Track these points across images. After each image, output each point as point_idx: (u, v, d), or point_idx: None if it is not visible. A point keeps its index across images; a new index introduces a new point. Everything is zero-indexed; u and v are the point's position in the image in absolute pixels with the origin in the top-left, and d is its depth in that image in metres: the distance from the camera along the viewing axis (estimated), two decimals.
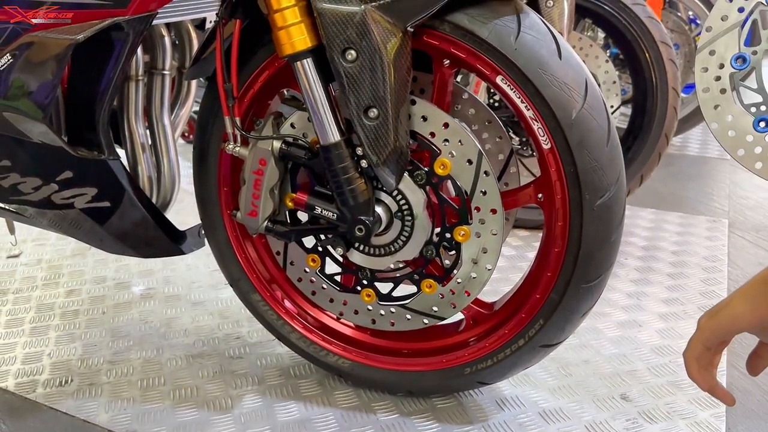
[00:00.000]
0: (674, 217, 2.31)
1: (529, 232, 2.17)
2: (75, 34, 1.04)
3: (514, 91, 1.04)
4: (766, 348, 0.78)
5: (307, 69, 1.05)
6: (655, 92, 2.05)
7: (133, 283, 1.84)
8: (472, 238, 1.12)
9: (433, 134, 1.09)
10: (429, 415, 1.28)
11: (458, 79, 1.83)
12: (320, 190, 1.17)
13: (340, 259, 1.24)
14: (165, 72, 1.35)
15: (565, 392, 1.34)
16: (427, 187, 1.12)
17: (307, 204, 1.16)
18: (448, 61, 1.11)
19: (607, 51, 2.96)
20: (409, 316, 1.22)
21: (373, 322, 1.26)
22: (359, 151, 1.09)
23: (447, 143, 1.08)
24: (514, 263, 1.96)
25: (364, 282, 1.24)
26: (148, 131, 1.36)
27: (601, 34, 2.82)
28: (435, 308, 1.20)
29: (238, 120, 1.14)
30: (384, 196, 1.14)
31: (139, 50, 1.27)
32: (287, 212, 1.22)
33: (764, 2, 1.46)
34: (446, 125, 1.08)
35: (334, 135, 1.07)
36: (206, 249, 1.39)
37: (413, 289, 1.21)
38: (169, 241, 1.30)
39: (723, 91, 1.53)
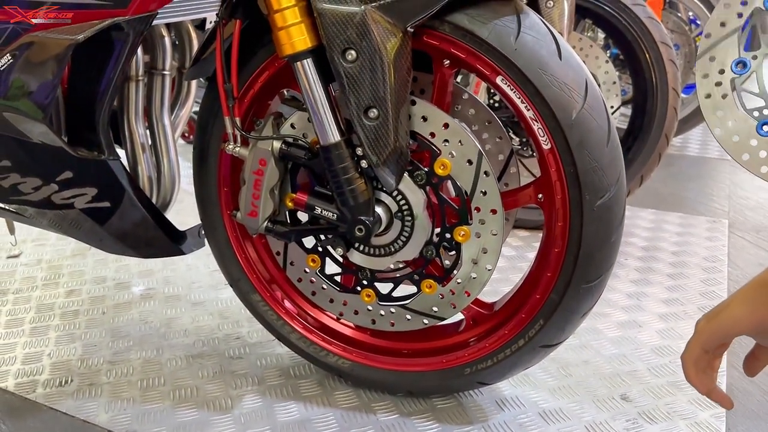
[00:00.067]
0: (674, 217, 2.31)
1: (529, 233, 2.17)
2: (75, 34, 1.04)
3: (514, 92, 1.04)
4: (763, 350, 0.78)
5: (307, 69, 1.05)
6: (655, 93, 2.05)
7: (133, 284, 1.84)
8: (472, 239, 1.12)
9: (433, 134, 1.09)
10: (429, 416, 1.28)
11: (458, 79, 1.83)
12: (320, 191, 1.17)
13: (340, 259, 1.24)
14: (165, 72, 1.35)
15: (565, 392, 1.34)
16: (427, 188, 1.12)
17: (307, 204, 1.16)
18: (448, 62, 1.11)
19: (607, 51, 2.96)
20: (409, 317, 1.22)
21: (373, 322, 1.26)
22: (359, 151, 1.09)
23: (447, 143, 1.08)
24: (514, 263, 1.96)
25: (364, 282, 1.24)
26: (148, 131, 1.36)
27: (601, 35, 2.82)
28: (435, 308, 1.20)
29: (238, 120, 1.14)
30: (384, 197, 1.14)
31: (139, 50, 1.27)
32: (287, 212, 1.22)
33: (763, 7, 1.47)
34: (446, 125, 1.08)
35: (334, 135, 1.07)
36: (206, 249, 1.39)
37: (413, 289, 1.21)
38: (169, 242, 1.30)
39: (725, 96, 1.53)
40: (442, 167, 1.09)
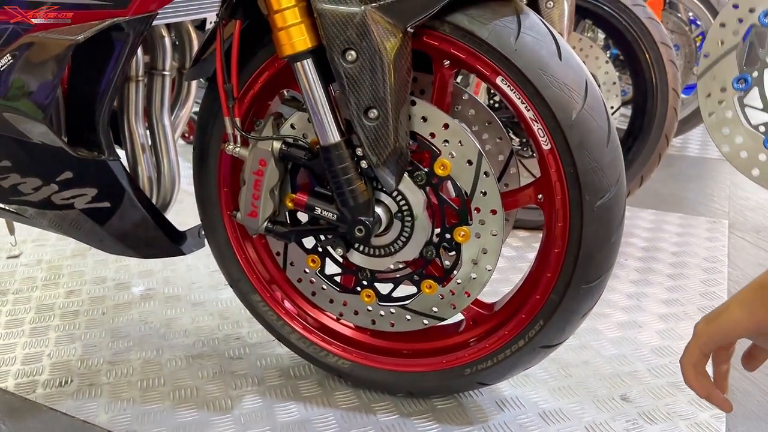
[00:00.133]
0: (674, 218, 2.31)
1: (529, 233, 2.17)
2: (75, 35, 1.04)
3: (514, 92, 1.04)
4: (760, 349, 0.78)
5: (307, 70, 1.05)
6: (655, 93, 2.05)
7: (133, 284, 1.84)
8: (472, 239, 1.12)
9: (433, 135, 1.09)
10: (429, 416, 1.28)
11: (458, 80, 1.83)
12: (320, 191, 1.17)
13: (340, 259, 1.24)
14: (165, 73, 1.35)
15: (565, 393, 1.34)
16: (427, 188, 1.12)
17: (307, 204, 1.16)
18: (448, 62, 1.11)
19: (607, 52, 2.96)
20: (409, 317, 1.22)
21: (373, 322, 1.26)
22: (359, 151, 1.09)
23: (447, 144, 1.08)
24: (514, 264, 1.96)
25: (364, 283, 1.24)
26: (148, 132, 1.36)
27: (601, 35, 2.82)
28: (435, 309, 1.20)
29: (238, 121, 1.14)
30: (384, 197, 1.14)
31: (140, 51, 1.27)
32: (287, 213, 1.22)
33: (759, 23, 1.47)
34: (446, 126, 1.08)
35: (334, 136, 1.07)
36: (206, 250, 1.39)
37: (413, 289, 1.21)
38: (169, 242, 1.30)
39: (729, 114, 1.54)
40: (442, 168, 1.09)
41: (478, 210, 1.10)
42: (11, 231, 1.93)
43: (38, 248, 2.07)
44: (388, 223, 1.15)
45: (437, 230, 1.15)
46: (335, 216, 1.14)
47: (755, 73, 1.51)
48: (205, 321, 1.64)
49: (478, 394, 1.34)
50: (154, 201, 1.37)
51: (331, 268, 1.26)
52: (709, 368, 0.80)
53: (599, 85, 2.08)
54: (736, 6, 1.49)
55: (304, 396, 1.35)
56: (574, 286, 1.10)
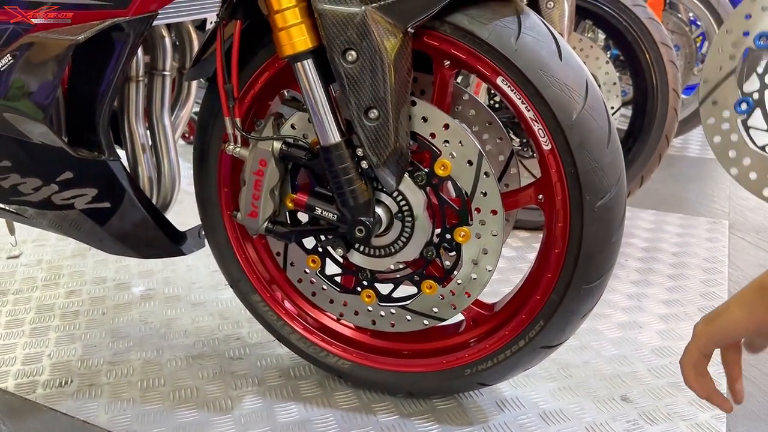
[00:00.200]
0: (674, 218, 2.31)
1: (529, 234, 2.17)
2: (75, 35, 1.04)
3: (515, 92, 1.04)
4: (758, 341, 0.78)
5: (308, 70, 1.05)
6: (656, 94, 2.05)
7: (133, 284, 1.84)
8: (473, 239, 1.12)
9: (433, 135, 1.09)
10: (429, 416, 1.28)
11: (458, 80, 1.83)
12: (320, 191, 1.17)
13: (341, 260, 1.24)
14: (165, 73, 1.35)
15: (566, 393, 1.34)
16: (428, 188, 1.12)
17: (308, 205, 1.16)
18: (448, 62, 1.11)
19: (608, 52, 2.96)
20: (409, 317, 1.22)
21: (374, 323, 1.25)
22: (359, 152, 1.09)
23: (447, 144, 1.08)
24: (515, 264, 1.96)
25: (365, 283, 1.24)
26: (148, 132, 1.36)
27: (601, 36, 2.82)
28: (435, 309, 1.20)
29: (238, 121, 1.14)
30: (384, 197, 1.14)
31: (140, 51, 1.27)
32: (287, 213, 1.22)
33: (754, 46, 1.48)
34: (446, 126, 1.08)
35: (334, 136, 1.07)
36: (206, 250, 1.39)
37: (413, 290, 1.21)
38: (169, 242, 1.30)
39: (734, 137, 1.55)
40: (442, 168, 1.09)
41: (478, 210, 1.10)
42: (11, 231, 1.93)
43: (38, 248, 2.07)
44: (389, 224, 1.15)
45: (437, 230, 1.15)
46: (335, 216, 1.14)
47: (756, 95, 1.52)
48: (206, 321, 1.64)
49: (479, 394, 1.34)
50: (154, 201, 1.37)
51: (331, 269, 1.25)
52: (710, 368, 0.80)
53: (599, 86, 2.08)
54: (729, 31, 1.50)
55: (305, 396, 1.35)
56: (575, 286, 1.10)
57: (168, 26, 1.33)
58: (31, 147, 1.15)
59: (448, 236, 1.14)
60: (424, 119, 1.09)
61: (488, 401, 1.32)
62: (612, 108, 2.17)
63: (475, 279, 1.15)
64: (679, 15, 3.22)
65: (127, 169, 1.27)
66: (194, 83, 1.48)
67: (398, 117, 1.04)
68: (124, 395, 1.36)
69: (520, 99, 1.04)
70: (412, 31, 1.03)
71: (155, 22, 1.11)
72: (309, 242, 1.26)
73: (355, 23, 0.99)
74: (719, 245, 2.07)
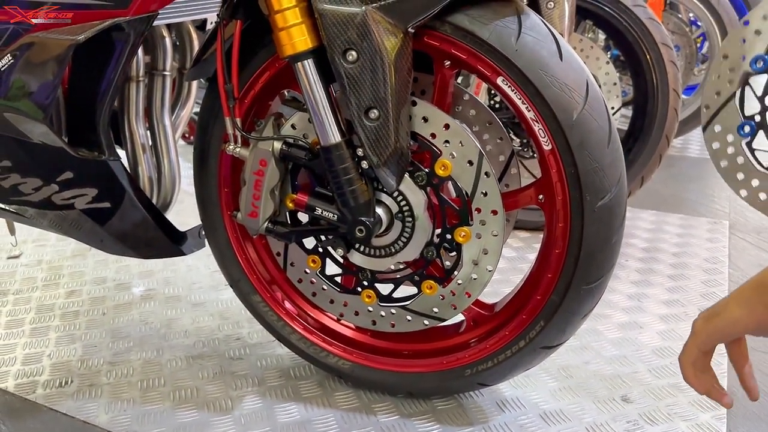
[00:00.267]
0: (675, 218, 2.31)
1: (529, 234, 2.17)
2: (76, 35, 1.04)
3: (515, 92, 1.04)
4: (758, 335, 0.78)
5: (308, 70, 1.05)
6: (656, 94, 2.05)
7: (133, 284, 1.83)
8: (473, 240, 1.12)
9: (433, 135, 1.09)
10: (429, 417, 1.28)
11: (459, 80, 1.83)
12: (321, 191, 1.17)
13: (341, 260, 1.24)
14: (166, 73, 1.35)
15: (566, 394, 1.34)
16: (428, 188, 1.12)
17: (308, 205, 1.16)
18: (448, 62, 1.11)
19: (608, 53, 2.96)
20: (409, 318, 1.22)
21: (374, 323, 1.25)
22: (360, 152, 1.09)
23: (448, 144, 1.08)
24: (515, 265, 1.96)
25: (365, 283, 1.23)
26: (148, 132, 1.36)
27: (601, 36, 2.82)
28: (435, 309, 1.20)
29: (238, 121, 1.14)
30: (384, 197, 1.13)
31: (140, 51, 1.27)
32: (287, 213, 1.22)
33: (751, 70, 1.49)
34: (447, 126, 1.08)
35: (334, 136, 1.07)
36: (206, 250, 1.39)
37: (414, 290, 1.21)
38: (169, 242, 1.30)
39: (740, 160, 1.56)
40: (442, 168, 1.09)
41: (478, 210, 1.10)
42: (12, 231, 1.93)
43: (38, 248, 2.07)
44: (389, 224, 1.15)
45: (438, 231, 1.15)
46: (336, 216, 1.14)
47: (758, 118, 1.54)
48: (206, 321, 1.64)
49: (479, 394, 1.34)
50: (154, 201, 1.37)
51: (331, 269, 1.25)
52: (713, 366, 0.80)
53: (600, 86, 2.08)
54: (726, 57, 1.52)
55: (305, 397, 1.34)
56: (575, 286, 1.10)
57: (168, 26, 1.33)
58: (31, 147, 1.15)
59: (448, 236, 1.14)
60: (425, 119, 1.09)
61: (488, 401, 1.32)
62: (612, 108, 2.17)
63: (475, 279, 1.15)
64: (680, 15, 3.22)
65: (128, 169, 1.27)
66: (194, 83, 1.48)
67: (399, 117, 1.04)
68: (124, 395, 1.35)
69: (520, 99, 1.04)
70: (413, 31, 1.03)
71: (155, 22, 1.11)
72: (309, 242, 1.26)
73: (355, 23, 0.99)
74: (720, 245, 2.07)
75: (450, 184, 1.12)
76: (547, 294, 1.13)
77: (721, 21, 2.96)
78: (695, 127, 3.09)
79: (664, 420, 1.26)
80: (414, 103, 1.08)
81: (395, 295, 1.24)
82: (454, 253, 1.16)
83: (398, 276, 1.24)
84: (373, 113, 1.03)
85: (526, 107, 1.04)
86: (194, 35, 1.40)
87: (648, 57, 2.04)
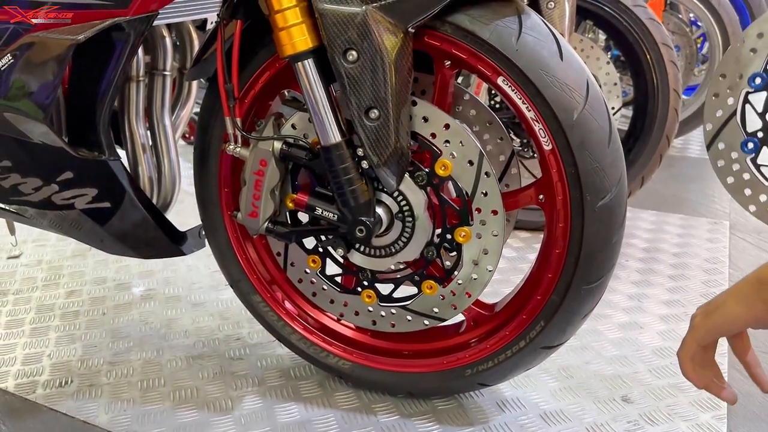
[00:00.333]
0: (675, 218, 2.31)
1: (530, 234, 2.17)
2: (76, 35, 1.04)
3: (515, 92, 1.04)
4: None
5: (308, 70, 1.05)
6: (656, 94, 2.05)
7: (133, 284, 1.83)
8: (473, 239, 1.12)
9: (434, 135, 1.09)
10: (430, 417, 1.28)
11: (459, 80, 1.83)
12: (321, 191, 1.17)
13: (341, 260, 1.24)
14: (166, 73, 1.34)
15: (566, 394, 1.34)
16: (428, 188, 1.12)
17: (308, 205, 1.16)
18: (449, 62, 1.10)
19: (608, 53, 2.96)
20: (409, 318, 1.22)
21: (374, 323, 1.25)
22: (360, 151, 1.09)
23: (448, 144, 1.08)
24: (515, 265, 1.96)
25: (365, 283, 1.23)
26: (148, 132, 1.36)
27: (602, 36, 2.82)
28: (436, 309, 1.20)
29: (238, 121, 1.14)
30: (385, 197, 1.13)
31: (140, 51, 1.27)
32: (288, 213, 1.22)
33: (749, 88, 1.50)
34: (447, 126, 1.08)
35: (335, 136, 1.07)
36: (207, 250, 1.39)
37: (414, 290, 1.21)
38: (169, 242, 1.30)
39: (746, 176, 1.57)
40: (443, 168, 1.09)
41: (479, 210, 1.10)
42: (12, 231, 1.93)
43: (38, 248, 2.06)
44: (389, 224, 1.15)
45: (438, 231, 1.15)
46: (336, 216, 1.14)
47: (760, 134, 1.54)
48: (206, 321, 1.64)
49: (479, 395, 1.34)
50: (154, 201, 1.37)
51: (331, 269, 1.25)
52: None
53: (600, 86, 2.08)
54: (724, 76, 1.53)
55: (305, 397, 1.34)
56: (575, 286, 1.10)
57: (168, 26, 1.33)
58: (31, 147, 1.15)
59: (448, 236, 1.14)
60: (425, 119, 1.08)
61: (489, 402, 1.32)
62: (613, 108, 2.17)
63: (475, 279, 1.15)
64: (680, 16, 3.22)
65: (128, 169, 1.27)
66: (195, 83, 1.48)
67: (399, 117, 1.04)
68: (124, 395, 1.35)
69: (520, 99, 1.04)
70: (413, 30, 1.03)
71: (156, 22, 1.10)
72: (309, 242, 1.26)
73: (355, 23, 0.99)
74: (720, 246, 2.07)
75: (450, 184, 1.12)
76: (548, 294, 1.13)
77: (722, 21, 2.96)
78: (695, 128, 3.09)
79: (664, 420, 1.26)
80: (414, 103, 1.08)
81: (395, 295, 1.24)
82: (454, 253, 1.16)
83: (398, 276, 1.24)
84: (374, 113, 1.03)
85: (527, 107, 1.04)
86: (194, 35, 1.40)
87: (648, 57, 2.04)
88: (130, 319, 1.65)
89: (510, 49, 1.02)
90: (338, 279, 1.27)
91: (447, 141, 1.08)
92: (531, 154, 2.16)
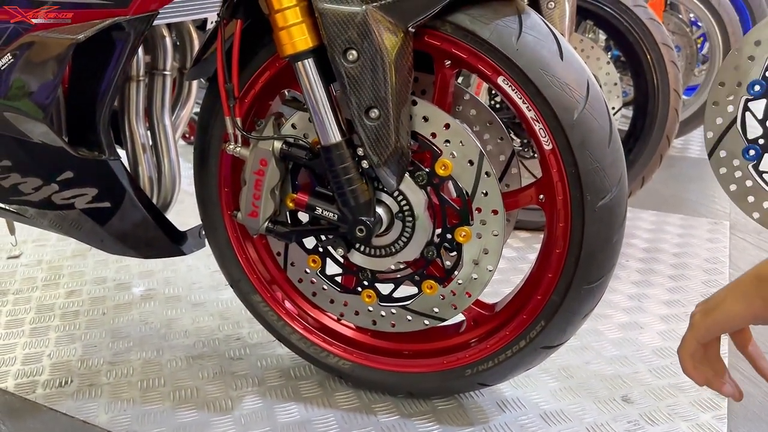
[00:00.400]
0: (675, 219, 2.30)
1: (530, 234, 2.16)
2: (76, 34, 1.04)
3: (516, 92, 1.04)
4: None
5: (308, 69, 1.05)
6: (657, 94, 2.05)
7: (133, 284, 1.83)
8: (473, 239, 1.12)
9: (434, 135, 1.09)
10: (430, 417, 1.28)
11: (459, 80, 1.83)
12: (321, 191, 1.17)
13: (341, 259, 1.24)
14: (166, 72, 1.34)
15: (566, 394, 1.34)
16: (428, 188, 1.12)
17: (308, 204, 1.16)
18: (449, 62, 1.10)
19: (609, 53, 2.96)
20: (409, 318, 1.22)
21: (374, 323, 1.25)
22: (360, 151, 1.09)
23: (448, 144, 1.08)
24: (515, 265, 1.96)
25: (365, 283, 1.23)
26: (148, 132, 1.36)
27: (602, 36, 2.82)
28: (436, 309, 1.20)
29: (239, 120, 1.14)
30: (385, 197, 1.13)
31: (140, 51, 1.27)
32: (288, 213, 1.22)
33: (749, 95, 1.50)
34: (447, 126, 1.08)
35: (335, 135, 1.07)
36: (207, 250, 1.39)
37: (414, 290, 1.21)
38: (169, 242, 1.30)
39: (749, 183, 1.57)
40: (443, 168, 1.09)
41: (479, 210, 1.10)
42: (12, 231, 1.93)
43: (39, 248, 2.06)
44: (389, 224, 1.15)
45: (438, 230, 1.15)
46: (336, 216, 1.14)
47: (761, 141, 1.54)
48: (206, 321, 1.63)
49: (479, 395, 1.34)
50: (154, 201, 1.37)
51: (331, 269, 1.25)
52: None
53: (600, 86, 2.08)
54: (722, 84, 1.53)
55: (305, 397, 1.34)
56: (576, 286, 1.10)
57: (168, 26, 1.33)
58: (31, 146, 1.15)
59: (448, 236, 1.14)
60: (425, 119, 1.08)
61: (489, 402, 1.32)
62: (613, 108, 2.17)
63: (475, 279, 1.15)
64: (680, 16, 3.22)
65: (128, 168, 1.27)
66: (195, 83, 1.48)
67: (399, 116, 1.04)
68: (124, 395, 1.35)
69: (521, 98, 1.04)
70: (413, 30, 1.03)
71: (156, 22, 1.10)
72: (309, 242, 1.26)
73: (355, 22, 0.99)
74: (720, 246, 2.07)
75: (450, 184, 1.12)
76: (548, 294, 1.13)
77: (722, 21, 2.96)
78: (696, 128, 3.09)
79: (664, 420, 1.26)
80: (414, 103, 1.08)
81: (395, 294, 1.24)
82: (454, 253, 1.15)
83: (398, 276, 1.24)
84: (374, 113, 1.03)
85: (527, 107, 1.04)
86: (194, 35, 1.40)
87: (649, 57, 2.04)
88: (130, 319, 1.65)
89: (510, 48, 1.02)
90: (338, 279, 1.27)
91: (447, 141, 1.08)
92: (531, 154, 2.16)
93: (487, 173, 1.08)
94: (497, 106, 2.10)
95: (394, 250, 1.17)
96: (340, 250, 1.19)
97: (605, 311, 1.66)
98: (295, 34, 1.03)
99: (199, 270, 1.91)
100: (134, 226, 1.26)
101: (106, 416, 1.29)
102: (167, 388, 1.38)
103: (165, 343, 1.54)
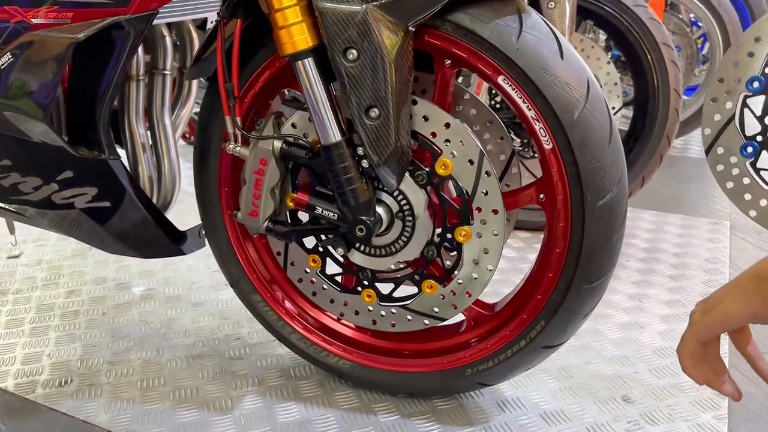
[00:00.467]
0: (676, 219, 2.30)
1: (530, 234, 2.16)
2: (75, 33, 1.04)
3: (516, 91, 1.04)
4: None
5: (308, 68, 1.05)
6: (657, 94, 2.05)
7: (133, 284, 1.83)
8: (474, 239, 1.12)
9: (434, 134, 1.09)
10: (430, 417, 1.28)
11: (460, 79, 1.82)
12: (321, 190, 1.17)
13: (341, 259, 1.24)
14: (166, 72, 1.34)
15: (567, 394, 1.34)
16: (429, 188, 1.12)
17: (308, 204, 1.16)
18: (449, 61, 1.10)
19: (609, 53, 2.96)
20: (409, 317, 1.22)
21: (374, 323, 1.25)
22: (360, 151, 1.09)
23: (448, 143, 1.08)
24: (515, 264, 1.95)
25: (365, 282, 1.23)
26: (148, 131, 1.36)
27: (602, 36, 2.82)
28: (436, 309, 1.20)
29: (239, 120, 1.14)
30: (385, 197, 1.13)
31: (140, 50, 1.27)
32: (288, 212, 1.22)
33: (747, 91, 1.50)
34: (447, 125, 1.08)
35: (335, 135, 1.07)
36: (207, 250, 1.39)
37: (414, 289, 1.21)
38: (169, 242, 1.30)
39: (746, 180, 1.57)
40: (443, 167, 1.09)
41: (479, 210, 1.10)
42: (11, 231, 1.93)
43: (38, 248, 2.06)
44: (389, 223, 1.14)
45: (438, 230, 1.15)
46: (336, 215, 1.14)
47: (759, 138, 1.54)
48: (206, 321, 1.63)
49: (479, 394, 1.33)
50: (154, 201, 1.36)
51: (331, 268, 1.25)
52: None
53: (601, 86, 2.07)
54: (721, 80, 1.53)
55: (305, 396, 1.34)
56: (576, 286, 1.10)
57: (168, 25, 1.33)
58: (31, 146, 1.15)
59: (449, 236, 1.14)
60: (425, 118, 1.08)
61: (489, 401, 1.32)
62: (613, 108, 2.17)
63: (476, 279, 1.14)
64: (681, 16, 3.22)
65: (128, 168, 1.27)
66: (195, 83, 1.48)
67: (399, 116, 1.04)
68: (124, 395, 1.35)
69: (521, 98, 1.04)
70: (413, 29, 1.02)
71: (155, 21, 1.10)
72: (309, 242, 1.26)
73: (355, 22, 0.99)
74: (720, 246, 2.07)
75: (450, 183, 1.11)
76: (548, 293, 1.12)
77: (722, 21, 2.96)
78: (696, 128, 3.09)
79: (665, 420, 1.26)
80: (414, 102, 1.08)
81: (395, 294, 1.24)
82: (454, 253, 1.15)
83: (398, 275, 1.23)
84: (374, 112, 1.02)
85: (527, 106, 1.04)
86: (194, 34, 1.40)
87: (649, 57, 2.04)
88: (130, 319, 1.65)
89: (510, 48, 1.02)
90: (338, 278, 1.27)
91: (447, 140, 1.08)
92: (531, 153, 2.16)
93: (487, 173, 1.08)
94: (497, 105, 2.10)
95: (394, 249, 1.17)
96: (340, 249, 1.19)
97: (605, 311, 1.66)
98: (295, 34, 1.03)
99: (199, 270, 1.90)
100: (134, 226, 1.26)
101: (105, 416, 1.29)
102: (167, 388, 1.37)
103: (165, 343, 1.54)
